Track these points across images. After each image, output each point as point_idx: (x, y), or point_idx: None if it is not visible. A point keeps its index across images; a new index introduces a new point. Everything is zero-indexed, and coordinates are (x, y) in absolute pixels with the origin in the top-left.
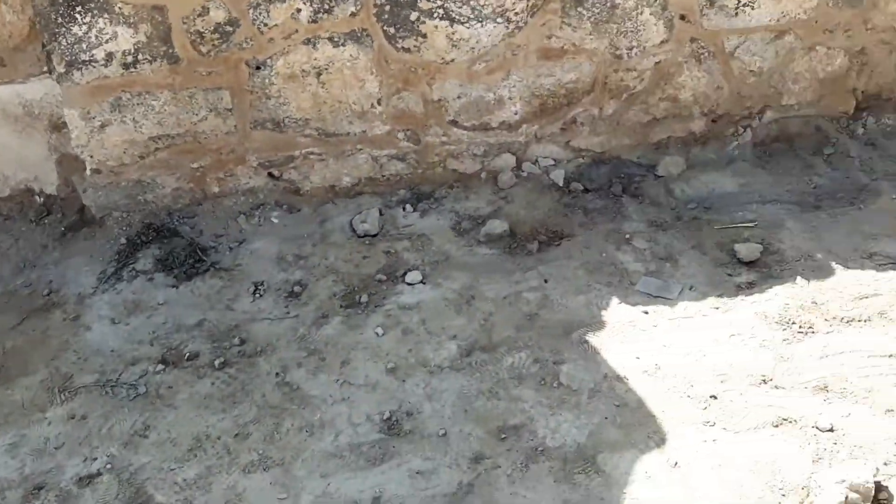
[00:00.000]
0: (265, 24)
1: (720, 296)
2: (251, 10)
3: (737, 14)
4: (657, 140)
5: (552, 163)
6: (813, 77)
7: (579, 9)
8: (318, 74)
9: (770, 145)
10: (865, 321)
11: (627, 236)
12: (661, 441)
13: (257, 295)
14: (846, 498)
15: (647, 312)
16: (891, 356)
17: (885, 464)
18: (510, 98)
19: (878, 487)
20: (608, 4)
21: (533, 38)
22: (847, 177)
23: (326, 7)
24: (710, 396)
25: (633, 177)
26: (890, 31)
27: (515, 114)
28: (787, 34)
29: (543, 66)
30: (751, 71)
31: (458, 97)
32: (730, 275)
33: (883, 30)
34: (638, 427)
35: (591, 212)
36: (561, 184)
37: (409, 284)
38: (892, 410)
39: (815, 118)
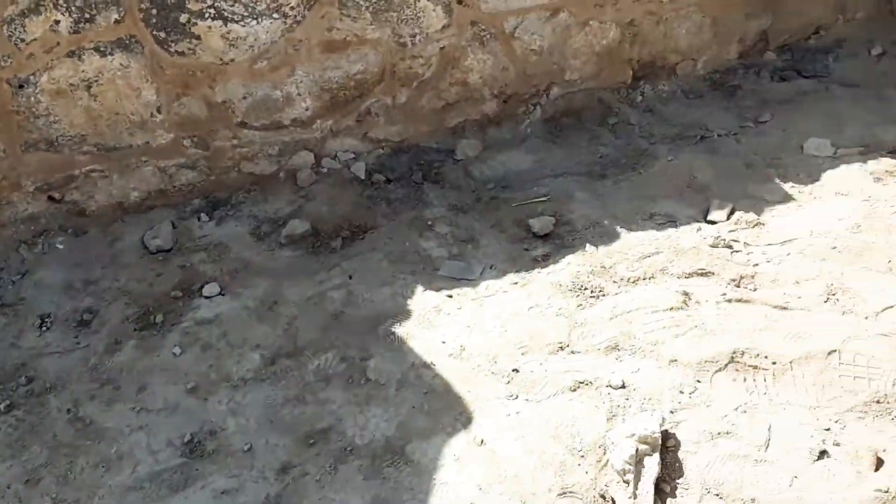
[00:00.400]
0: (22, 40)
1: (518, 271)
2: (5, 26)
3: None
4: (453, 124)
5: (352, 156)
6: (590, 51)
7: None
8: (89, 87)
9: (559, 120)
10: (649, 279)
11: (430, 223)
12: (467, 421)
13: (44, 328)
14: (637, 450)
15: (451, 296)
16: (671, 309)
17: (672, 412)
18: (299, 94)
19: (666, 435)
20: None
21: (313, 31)
22: (629, 144)
23: (87, 16)
24: (513, 370)
25: (432, 163)
26: (655, 1)
27: (307, 110)
28: (561, 12)
29: (328, 59)
30: (532, 50)
31: (244, 97)
32: (526, 249)
33: (649, 0)
34: (445, 411)
35: (394, 202)
36: (363, 176)
37: (206, 298)
38: (675, 360)
39: (598, 90)
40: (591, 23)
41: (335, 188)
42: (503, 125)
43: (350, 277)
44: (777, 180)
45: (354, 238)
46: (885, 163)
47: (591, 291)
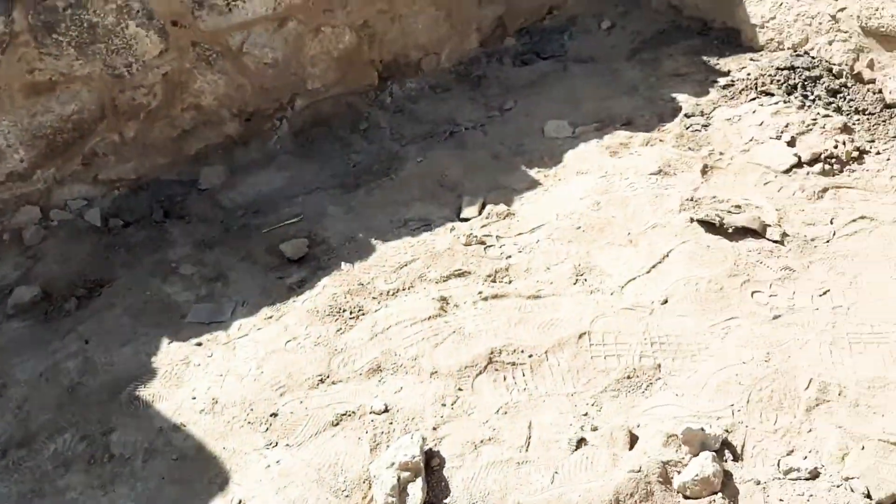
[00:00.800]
0: None
1: (273, 303)
2: None
3: (231, 10)
4: (195, 152)
5: (84, 203)
6: (329, 57)
7: (54, 35)
8: None
9: (309, 132)
10: (408, 289)
11: (174, 264)
12: (224, 482)
13: None
14: (399, 479)
15: (200, 344)
16: (430, 318)
17: (435, 428)
18: (9, 146)
19: (430, 455)
20: (85, 25)
21: (13, 76)
22: (382, 148)
23: None
24: (271, 415)
25: (174, 197)
26: (385, 0)
27: (22, 161)
28: (289, 21)
29: (36, 103)
30: (266, 63)
31: None
32: (281, 278)
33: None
34: (199, 476)
35: (134, 247)
36: (98, 224)
37: None
38: (436, 372)
39: (345, 96)
40: (323, 29)
41: (68, 242)
42: (250, 145)
43: (87, 342)
44: (523, 167)
45: (91, 295)
46: (619, 136)
47: (351, 312)
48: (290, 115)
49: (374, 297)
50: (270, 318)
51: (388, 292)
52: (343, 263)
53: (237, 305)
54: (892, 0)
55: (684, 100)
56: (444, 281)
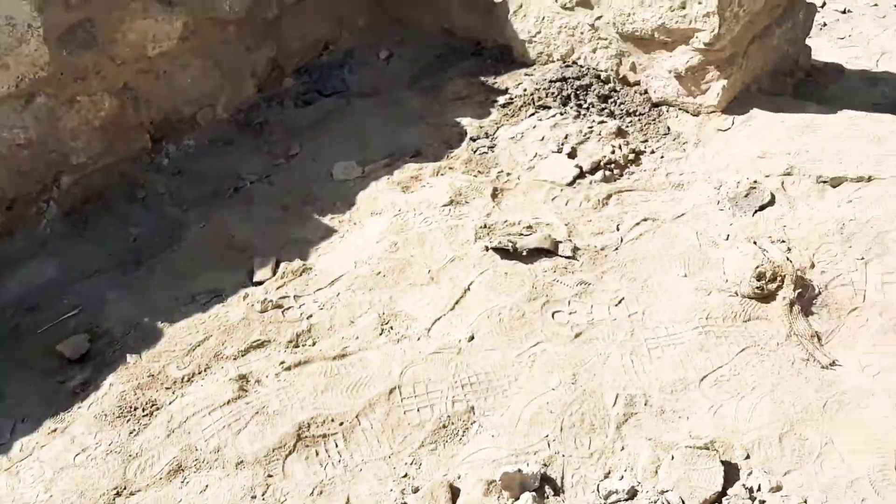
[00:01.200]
0: None
1: (56, 413)
2: None
3: None
4: None
5: None
6: (90, 127)
7: None
8: None
9: (82, 209)
10: (205, 371)
11: None
12: None
13: None
14: None
15: None
16: (229, 402)
17: None
18: None
19: None
20: None
21: None
22: (162, 216)
23: None
24: None
25: None
26: (144, 60)
27: None
28: (36, 96)
29: None
30: (19, 145)
31: None
32: (62, 382)
33: (137, 59)
34: None
35: None
36: None
37: None
38: (241, 462)
39: (117, 165)
40: (78, 99)
41: None
42: (15, 235)
43: None
44: (315, 216)
45: None
46: (409, 169)
47: (143, 410)
48: (56, 195)
49: (167, 388)
50: (55, 430)
51: (183, 379)
52: (129, 355)
53: (17, 423)
54: (641, 5)
55: (468, 123)
56: (242, 356)
